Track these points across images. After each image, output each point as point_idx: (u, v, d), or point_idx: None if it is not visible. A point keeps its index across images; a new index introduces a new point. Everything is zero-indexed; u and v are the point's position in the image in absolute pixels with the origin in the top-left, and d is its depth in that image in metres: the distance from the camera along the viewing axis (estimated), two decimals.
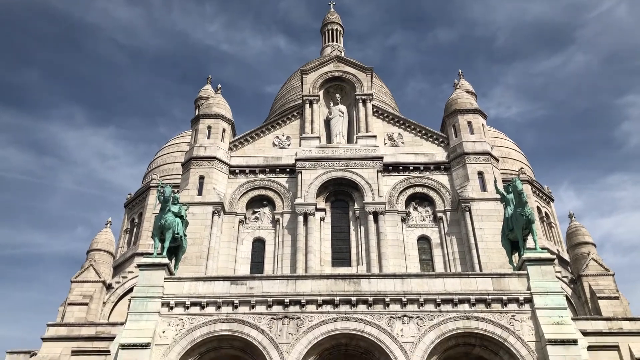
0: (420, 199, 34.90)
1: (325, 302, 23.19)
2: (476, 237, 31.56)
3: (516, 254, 25.48)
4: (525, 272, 23.58)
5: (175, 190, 30.26)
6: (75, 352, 26.98)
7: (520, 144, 49.71)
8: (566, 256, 38.02)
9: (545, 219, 42.21)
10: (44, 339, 27.69)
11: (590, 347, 23.49)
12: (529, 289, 23.05)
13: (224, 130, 36.99)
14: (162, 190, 25.98)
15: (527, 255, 24.00)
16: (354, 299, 23.15)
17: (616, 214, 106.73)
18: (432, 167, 35.41)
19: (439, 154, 36.09)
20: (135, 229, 42.21)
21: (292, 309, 23.09)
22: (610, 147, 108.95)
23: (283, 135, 37.36)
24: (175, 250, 25.89)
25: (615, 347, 26.65)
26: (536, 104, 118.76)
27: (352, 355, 23.88)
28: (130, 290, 29.83)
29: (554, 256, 27.72)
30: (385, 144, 36.79)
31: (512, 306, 22.80)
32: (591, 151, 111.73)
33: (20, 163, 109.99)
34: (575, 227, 35.62)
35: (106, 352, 24.00)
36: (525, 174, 42.87)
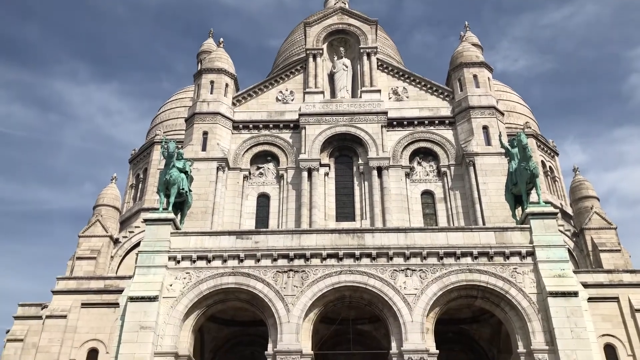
0: (425, 154, 34.86)
1: (330, 256, 23.50)
2: (480, 192, 31.67)
3: (519, 208, 25.59)
4: (528, 225, 23.75)
5: (179, 146, 30.25)
6: (85, 305, 27.68)
7: (526, 98, 49.30)
8: (569, 210, 38.18)
9: (549, 173, 42.21)
10: (54, 292, 28.37)
11: (591, 299, 23.88)
12: (531, 242, 23.25)
13: (226, 85, 36.68)
14: (166, 146, 26.01)
15: (530, 209, 24.11)
16: (357, 252, 23.44)
17: (622, 168, 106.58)
18: (436, 122, 35.21)
19: (444, 108, 35.83)
20: (140, 185, 42.48)
21: (297, 262, 23.43)
22: (617, 101, 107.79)
23: (286, 90, 37.06)
24: (181, 205, 26.09)
25: (615, 299, 27.15)
26: (543, 57, 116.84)
27: (355, 307, 24.37)
28: (137, 244, 30.31)
29: (557, 210, 27.83)
30: (389, 98, 36.48)
31: (514, 259, 23.07)
32: (598, 105, 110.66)
33: (25, 120, 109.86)
34: (579, 181, 35.62)
35: (115, 305, 24.57)
36: (530, 128, 42.61)
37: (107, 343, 25.88)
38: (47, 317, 27.36)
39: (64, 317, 27.11)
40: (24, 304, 31.72)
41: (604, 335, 25.96)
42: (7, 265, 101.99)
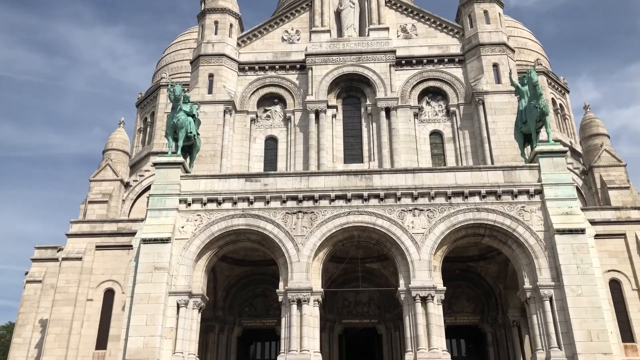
0: (434, 93, 34.45)
1: (338, 197, 23.69)
2: (489, 131, 31.47)
3: (528, 147, 25.47)
4: (536, 164, 23.69)
5: (185, 89, 30.04)
6: (99, 247, 28.30)
7: (537, 34, 48.08)
8: (579, 148, 37.94)
9: (559, 111, 41.69)
10: (69, 235, 28.98)
11: (598, 236, 24.08)
12: (539, 180, 23.26)
13: (231, 26, 35.98)
14: (172, 89, 25.84)
15: (539, 147, 23.99)
16: (365, 193, 23.60)
17: (635, 105, 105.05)
18: (446, 60, 34.58)
19: (454, 46, 35.09)
20: (148, 129, 42.49)
21: (305, 204, 23.67)
22: (632, 36, 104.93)
23: (292, 30, 36.31)
24: (189, 149, 26.18)
25: (622, 235, 27.35)
26: None
27: (364, 247, 24.79)
28: (148, 188, 30.62)
29: (566, 148, 27.67)
30: (398, 36, 35.71)
31: (522, 198, 23.15)
32: (612, 40, 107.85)
33: (31, 64, 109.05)
34: (589, 119, 35.20)
35: (129, 247, 25.11)
36: (542, 65, 41.77)
37: (123, 284, 26.63)
38: (63, 259, 28.06)
39: (80, 259, 27.81)
40: (40, 246, 32.59)
41: (609, 270, 26.32)
42: (21, 210, 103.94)
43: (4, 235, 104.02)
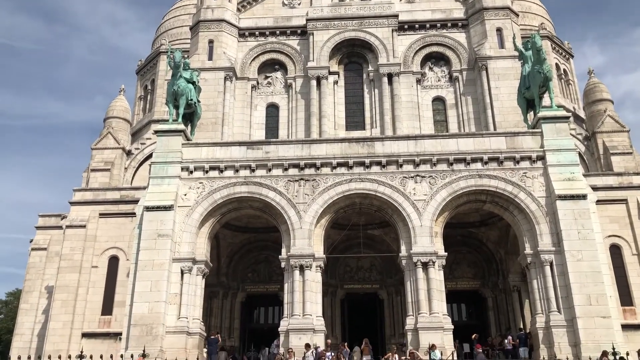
0: (436, 59, 34.09)
1: (340, 165, 23.67)
2: (492, 97, 31.23)
3: (531, 113, 25.31)
4: (539, 130, 23.58)
5: (185, 56, 29.69)
6: (102, 215, 28.47)
7: None
8: (582, 114, 37.67)
9: (563, 76, 41.23)
10: (72, 203, 29.12)
11: (599, 202, 24.15)
12: (542, 146, 23.18)
13: None
14: (171, 56, 25.59)
15: (542, 113, 23.84)
16: (367, 160, 23.57)
17: None
18: (449, 25, 34.11)
19: (457, 10, 34.56)
20: (149, 96, 42.21)
21: (307, 171, 23.67)
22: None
23: None
24: (190, 116, 26.07)
25: (624, 201, 27.40)
26: None
27: (365, 213, 24.90)
28: (150, 156, 30.61)
29: (569, 114, 27.54)
30: (400, 0, 35.11)
31: (525, 164, 23.12)
32: (619, 4, 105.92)
33: (31, 31, 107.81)
34: (593, 84, 34.84)
35: (132, 214, 25.25)
36: (546, 29, 41.12)
37: (127, 251, 26.85)
38: (67, 227, 28.27)
39: (83, 226, 28.00)
40: (44, 214, 32.83)
41: (610, 236, 26.44)
42: (25, 179, 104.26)
43: (9, 203, 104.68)
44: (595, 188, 24.82)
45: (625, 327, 23.09)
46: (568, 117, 24.31)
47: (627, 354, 17.32)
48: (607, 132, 31.55)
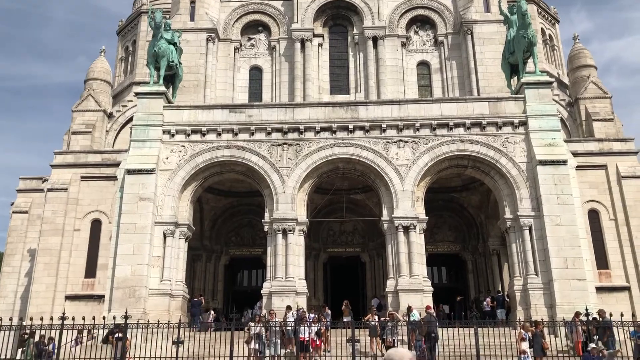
0: (422, 22, 33.70)
1: (323, 129, 23.59)
2: (476, 61, 31.10)
3: (515, 78, 25.30)
4: (522, 95, 23.63)
5: (167, 16, 29.09)
6: (84, 178, 28.24)
7: None
8: (566, 80, 37.70)
9: (548, 41, 40.99)
10: (53, 166, 28.80)
11: (580, 167, 24.49)
12: (524, 112, 23.27)
13: None
14: (152, 16, 25.05)
15: (525, 78, 23.84)
16: (351, 125, 23.51)
17: (627, 36, 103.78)
18: None
19: None
20: (130, 57, 41.32)
21: (290, 136, 23.57)
22: None
23: None
24: (172, 78, 25.69)
25: (603, 167, 27.77)
26: None
27: (349, 178, 24.98)
28: (131, 119, 30.10)
29: (553, 79, 27.57)
30: None
31: (507, 129, 23.22)
32: None
33: None
34: (577, 50, 34.81)
35: (114, 178, 25.05)
36: None
37: (109, 214, 26.76)
38: (49, 190, 28.02)
39: (65, 189, 27.77)
40: (25, 177, 32.48)
41: (589, 201, 26.86)
42: (4, 141, 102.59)
43: None
44: (576, 154, 25.09)
45: (600, 289, 23.78)
46: (551, 83, 24.36)
47: (603, 313, 17.83)
48: (590, 99, 31.71)
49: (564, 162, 22.34)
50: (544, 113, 23.25)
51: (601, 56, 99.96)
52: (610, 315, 17.53)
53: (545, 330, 18.19)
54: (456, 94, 31.15)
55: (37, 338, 19.59)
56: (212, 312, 24.18)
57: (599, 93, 31.84)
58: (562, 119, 29.85)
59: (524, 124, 23.18)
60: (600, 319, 18.07)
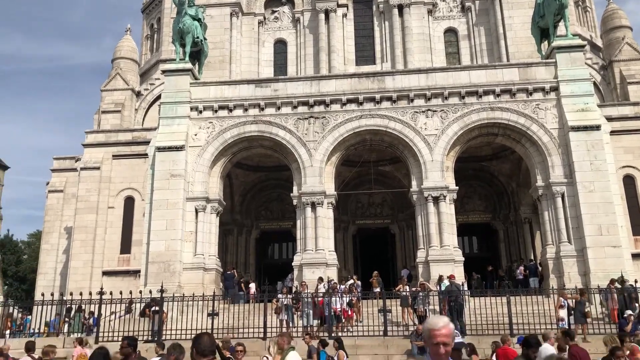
0: None
1: (350, 101, 23.42)
2: (505, 27, 30.31)
3: (546, 42, 24.61)
4: (553, 60, 23.00)
5: None
6: (115, 156, 28.75)
7: None
8: (599, 42, 36.51)
9: (580, 3, 39.64)
10: (85, 145, 29.38)
11: (614, 132, 23.89)
12: (555, 77, 22.68)
13: None
14: None
15: (556, 42, 23.17)
16: (378, 96, 23.28)
17: None
18: None
19: None
20: (155, 35, 41.44)
21: (316, 109, 23.48)
22: None
23: None
24: (198, 55, 25.73)
25: (639, 131, 26.94)
26: None
27: (376, 150, 24.85)
28: (159, 97, 30.44)
29: (585, 42, 26.71)
30: None
31: (538, 95, 22.70)
32: None
33: None
34: (611, 10, 33.57)
35: (144, 155, 25.42)
36: None
37: (142, 191, 27.23)
38: (82, 168, 28.63)
39: (98, 168, 28.34)
40: (59, 157, 33.21)
41: (624, 167, 26.22)
42: (37, 122, 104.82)
43: (24, 148, 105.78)
44: (610, 118, 24.42)
45: (636, 255, 23.31)
46: (583, 46, 23.64)
47: (636, 281, 17.58)
48: (625, 61, 30.69)
49: (597, 128, 21.79)
50: (576, 77, 22.62)
51: (637, 16, 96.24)
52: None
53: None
54: (485, 61, 30.48)
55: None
56: (253, 284, 24.54)
57: (634, 55, 30.78)
58: (595, 83, 29.01)
59: (555, 89, 22.62)
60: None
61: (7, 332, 20.02)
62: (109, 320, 17.91)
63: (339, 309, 18.11)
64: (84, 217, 27.84)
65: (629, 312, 16.46)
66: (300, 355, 9.69)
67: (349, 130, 23.18)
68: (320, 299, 18.36)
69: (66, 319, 21.05)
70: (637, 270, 21.03)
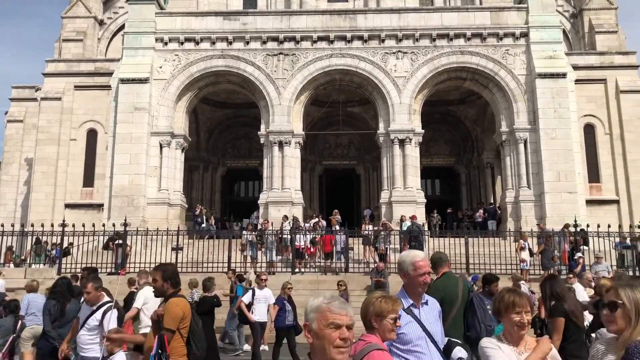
0: None
1: (320, 39, 23.04)
2: None
3: None
4: (525, 5, 22.93)
5: None
6: (78, 87, 27.84)
7: None
8: None
9: None
10: (46, 75, 28.32)
11: (579, 81, 24.19)
12: (526, 22, 22.68)
13: None
14: None
15: None
16: (349, 35, 22.94)
17: None
18: None
19: None
20: None
21: (286, 45, 23.04)
22: None
23: None
24: None
25: (603, 81, 27.44)
26: None
27: (346, 90, 24.72)
28: (123, 26, 29.27)
29: None
30: None
31: (508, 40, 22.74)
32: None
33: None
34: None
35: (107, 87, 24.68)
36: None
37: (105, 124, 26.53)
38: (42, 99, 27.69)
39: (59, 99, 27.45)
40: (18, 86, 32.01)
41: (586, 115, 26.76)
42: None
43: None
44: (576, 67, 24.70)
45: (590, 202, 24.23)
46: None
47: (587, 225, 18.36)
48: (595, 10, 30.73)
49: (564, 75, 22.09)
50: (546, 24, 22.68)
51: None
52: (598, 226, 18.02)
53: (535, 240, 18.72)
54: (458, 4, 30.14)
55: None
56: (213, 219, 24.67)
57: (604, 4, 30.82)
58: (564, 31, 29.10)
59: (525, 35, 22.66)
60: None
61: None
62: (71, 253, 17.88)
63: (303, 246, 18.47)
64: (45, 148, 27.18)
65: (579, 254, 17.26)
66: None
67: (319, 69, 22.91)
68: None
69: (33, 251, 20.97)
70: (591, 216, 21.87)
